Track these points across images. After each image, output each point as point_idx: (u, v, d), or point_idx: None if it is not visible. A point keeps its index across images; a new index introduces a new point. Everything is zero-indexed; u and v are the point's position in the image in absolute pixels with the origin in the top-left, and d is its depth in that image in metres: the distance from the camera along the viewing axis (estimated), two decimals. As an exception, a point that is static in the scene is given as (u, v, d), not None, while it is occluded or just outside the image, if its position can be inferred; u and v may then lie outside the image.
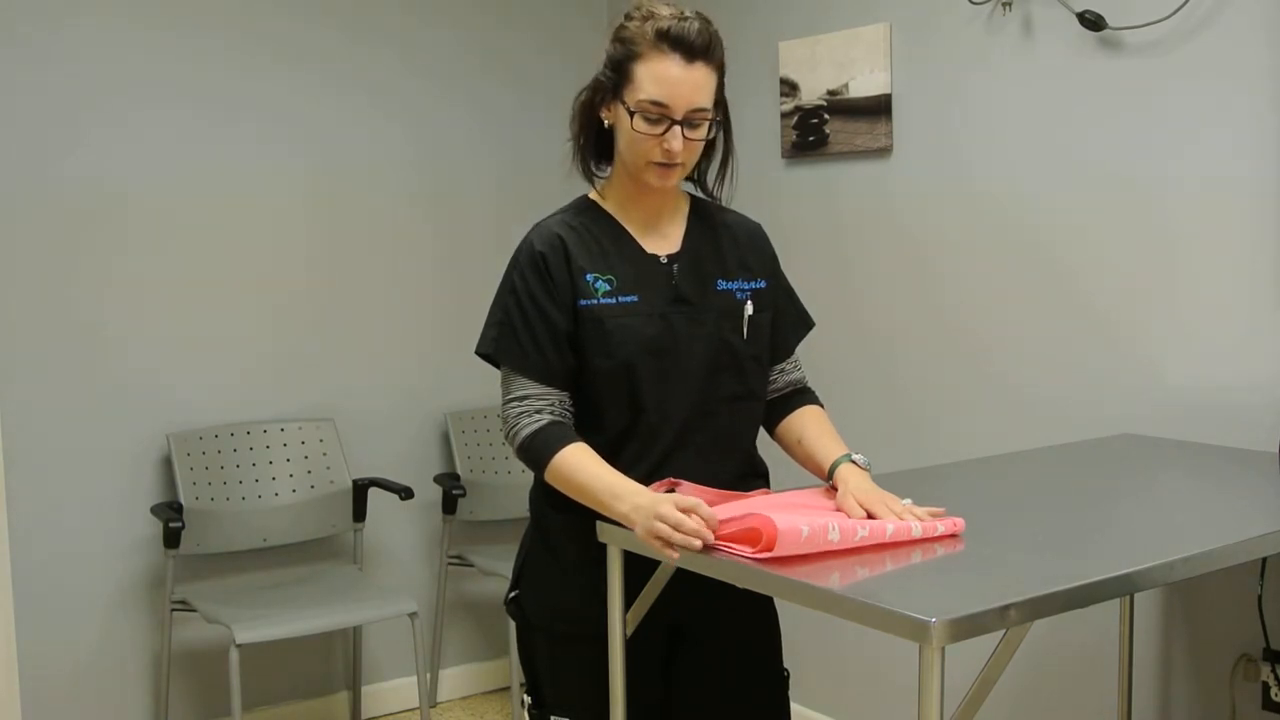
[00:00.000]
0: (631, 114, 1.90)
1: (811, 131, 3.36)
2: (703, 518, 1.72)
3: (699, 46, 1.88)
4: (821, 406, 2.15)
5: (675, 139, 1.89)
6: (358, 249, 3.73)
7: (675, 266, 2.01)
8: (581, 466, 1.89)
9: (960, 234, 3.04)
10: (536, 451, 1.93)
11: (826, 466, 1.98)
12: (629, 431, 1.97)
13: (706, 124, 1.93)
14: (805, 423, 2.09)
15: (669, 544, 1.73)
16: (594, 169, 2.06)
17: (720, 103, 1.99)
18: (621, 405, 1.96)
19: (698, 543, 1.71)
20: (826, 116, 3.31)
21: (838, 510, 1.83)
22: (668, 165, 1.92)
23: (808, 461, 2.05)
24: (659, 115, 1.88)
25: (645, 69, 1.88)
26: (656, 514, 1.74)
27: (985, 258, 2.99)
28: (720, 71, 1.94)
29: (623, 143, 1.95)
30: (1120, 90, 2.66)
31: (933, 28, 3.06)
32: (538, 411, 1.94)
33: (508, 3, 3.94)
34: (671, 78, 1.87)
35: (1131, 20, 2.62)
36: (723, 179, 2.07)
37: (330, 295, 3.68)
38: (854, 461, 1.95)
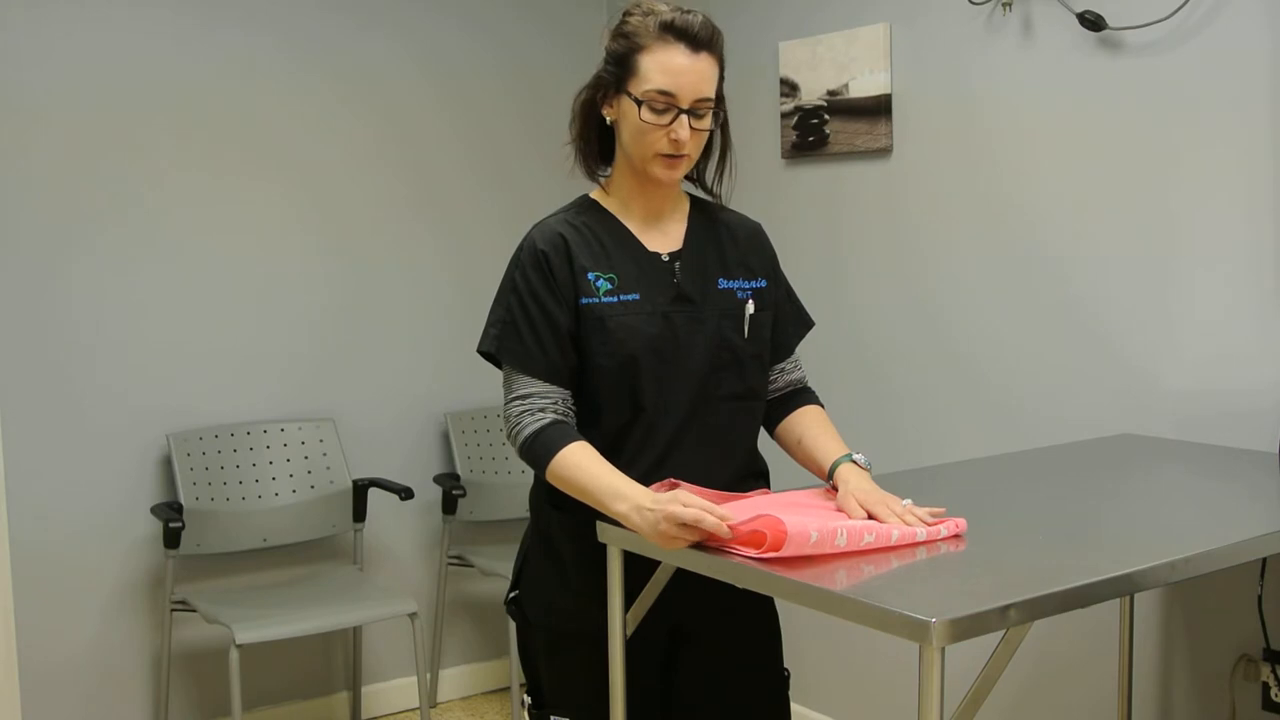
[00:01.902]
0: (639, 105, 1.91)
1: (811, 132, 3.36)
2: (716, 519, 1.71)
3: (703, 38, 1.91)
4: (821, 406, 2.15)
5: (683, 128, 1.90)
6: (358, 249, 3.73)
7: (677, 265, 2.02)
8: (583, 467, 1.88)
9: (960, 234, 3.04)
10: (539, 451, 1.92)
11: (827, 466, 1.98)
12: (628, 429, 1.96)
13: (711, 114, 1.95)
14: (806, 423, 2.09)
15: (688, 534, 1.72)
16: (597, 168, 2.07)
17: (719, 98, 2.00)
18: (622, 403, 1.96)
19: (725, 528, 1.69)
20: (826, 116, 3.31)
21: (838, 510, 1.83)
22: (674, 157, 1.93)
23: (808, 462, 2.05)
24: (666, 105, 1.90)
25: (651, 59, 1.90)
26: (668, 515, 1.72)
27: (985, 258, 2.99)
28: (721, 65, 1.96)
29: (628, 136, 1.96)
30: (1120, 90, 2.66)
31: (933, 28, 3.06)
32: (541, 410, 1.94)
33: (517, 5, 3.94)
34: (678, 67, 1.89)
35: (1131, 20, 2.62)
36: (722, 175, 2.08)
37: (330, 296, 3.69)
38: (854, 461, 1.95)
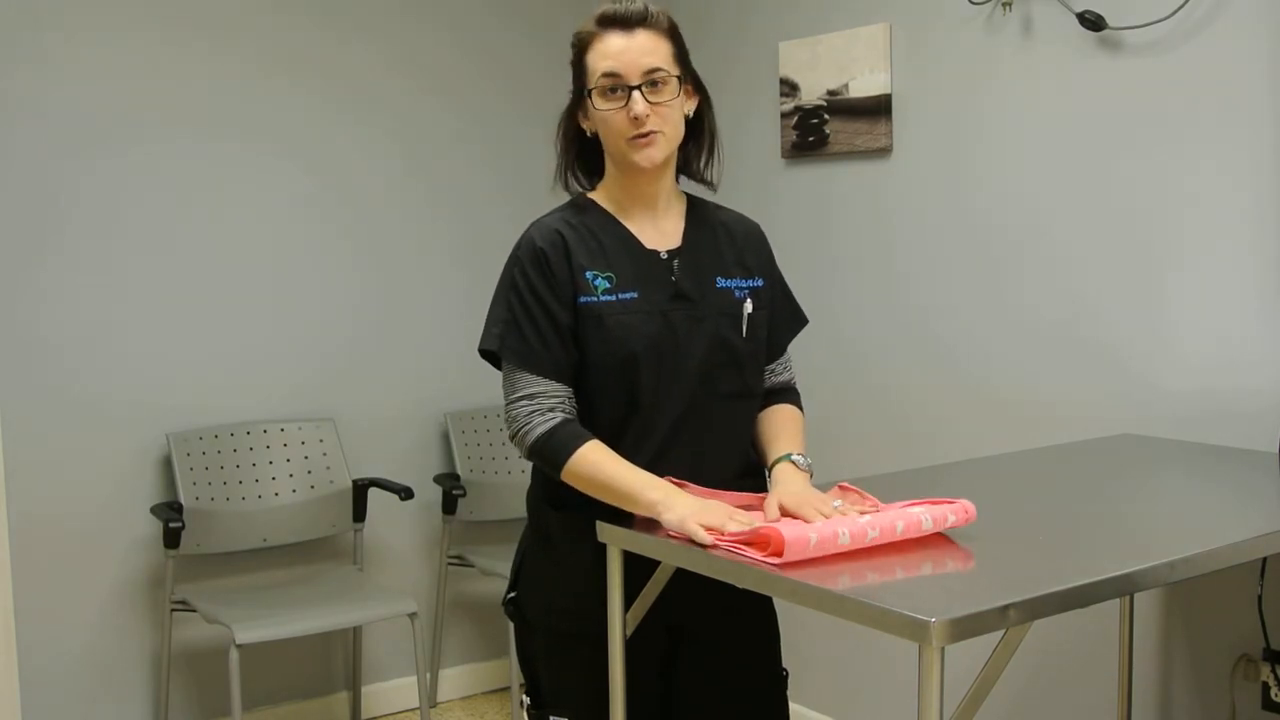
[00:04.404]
0: (593, 97, 1.94)
1: (811, 132, 3.36)
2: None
3: (635, 18, 1.95)
4: (799, 408, 2.15)
5: (637, 103, 1.91)
6: (358, 250, 3.73)
7: (676, 263, 2.01)
8: (603, 464, 1.88)
9: (960, 234, 3.04)
10: (553, 452, 1.91)
11: (769, 463, 2.00)
12: (623, 427, 1.96)
13: (670, 84, 1.94)
14: (771, 419, 2.10)
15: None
16: (581, 182, 2.08)
17: (696, 80, 2.02)
18: (618, 401, 1.96)
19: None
20: (826, 117, 3.31)
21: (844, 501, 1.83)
22: (643, 136, 1.93)
23: (760, 458, 2.07)
24: (615, 86, 1.92)
25: (593, 53, 1.95)
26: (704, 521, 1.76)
27: (985, 256, 2.99)
28: (675, 41, 1.98)
29: (602, 135, 1.98)
30: (1120, 90, 2.66)
31: (933, 28, 3.06)
32: (550, 410, 1.93)
33: (507, 8, 3.94)
34: (615, 48, 1.93)
35: (1131, 20, 2.62)
36: (707, 157, 2.08)
37: (330, 296, 3.68)
38: (793, 462, 1.96)
